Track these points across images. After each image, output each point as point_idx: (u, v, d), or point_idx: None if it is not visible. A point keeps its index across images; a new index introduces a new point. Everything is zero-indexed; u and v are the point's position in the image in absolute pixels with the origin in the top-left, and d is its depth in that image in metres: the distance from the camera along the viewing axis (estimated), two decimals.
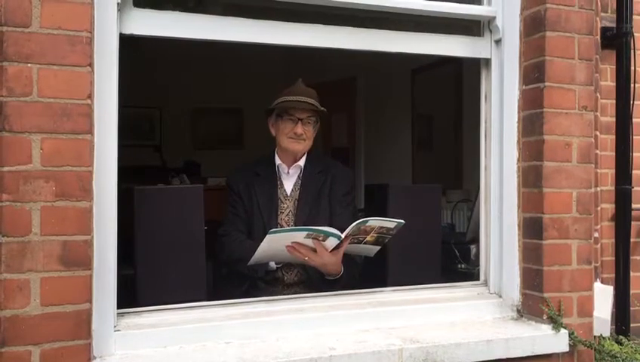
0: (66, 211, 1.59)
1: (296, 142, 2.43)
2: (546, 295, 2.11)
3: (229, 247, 2.44)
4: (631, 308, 2.81)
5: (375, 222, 2.15)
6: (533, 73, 2.17)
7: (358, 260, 2.44)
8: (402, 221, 2.18)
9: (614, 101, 2.89)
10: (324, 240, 2.13)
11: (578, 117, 2.17)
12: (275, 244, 2.12)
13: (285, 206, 2.49)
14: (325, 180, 2.51)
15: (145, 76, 4.83)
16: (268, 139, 2.56)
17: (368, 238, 2.21)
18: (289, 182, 2.52)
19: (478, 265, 2.38)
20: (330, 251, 2.19)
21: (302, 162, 2.51)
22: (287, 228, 2.39)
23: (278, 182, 2.52)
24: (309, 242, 2.13)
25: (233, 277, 2.48)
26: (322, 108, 2.47)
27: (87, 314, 1.62)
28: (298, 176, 2.52)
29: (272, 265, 2.40)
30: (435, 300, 2.19)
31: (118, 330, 1.75)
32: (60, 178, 1.58)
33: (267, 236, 2.07)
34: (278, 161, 2.52)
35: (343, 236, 2.12)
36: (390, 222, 2.18)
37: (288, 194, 2.51)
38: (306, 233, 2.10)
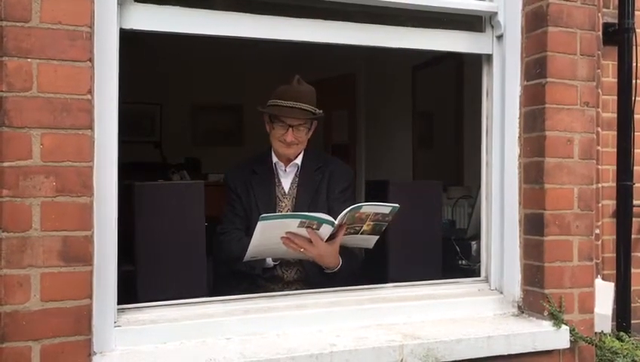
0: (67, 207, 1.59)
1: (287, 147, 2.41)
2: (547, 291, 2.11)
3: (228, 246, 2.42)
4: (632, 305, 2.81)
5: (369, 208, 2.14)
6: (535, 69, 2.16)
7: (358, 253, 2.43)
8: (397, 205, 2.16)
9: (616, 97, 2.88)
10: (317, 229, 2.11)
11: (580, 113, 2.16)
12: (268, 235, 2.09)
13: (284, 204, 2.48)
14: (323, 177, 2.50)
15: (145, 72, 4.82)
16: (267, 136, 2.55)
17: (365, 227, 2.20)
18: (287, 179, 2.51)
19: (479, 262, 2.37)
20: (326, 241, 2.17)
21: (299, 160, 2.49)
22: (279, 213, 2.38)
23: (276, 180, 2.51)
24: (303, 232, 2.11)
25: (232, 275, 2.47)
26: (318, 112, 2.42)
27: (87, 310, 1.61)
28: (295, 174, 2.51)
29: (269, 261, 2.38)
30: (436, 296, 2.19)
31: (119, 326, 1.75)
32: (61, 173, 1.58)
33: (259, 223, 2.03)
34: (274, 158, 2.50)
35: (336, 222, 2.10)
36: (385, 207, 2.16)
37: (286, 192, 2.50)
38: (299, 221, 2.08)
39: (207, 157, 5.85)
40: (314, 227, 2.10)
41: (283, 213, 2.39)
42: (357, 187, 2.87)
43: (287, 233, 2.12)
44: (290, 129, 2.37)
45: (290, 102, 2.38)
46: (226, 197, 2.54)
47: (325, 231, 2.13)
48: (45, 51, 1.57)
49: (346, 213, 2.09)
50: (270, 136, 2.46)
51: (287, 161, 2.49)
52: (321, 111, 2.44)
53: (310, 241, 2.14)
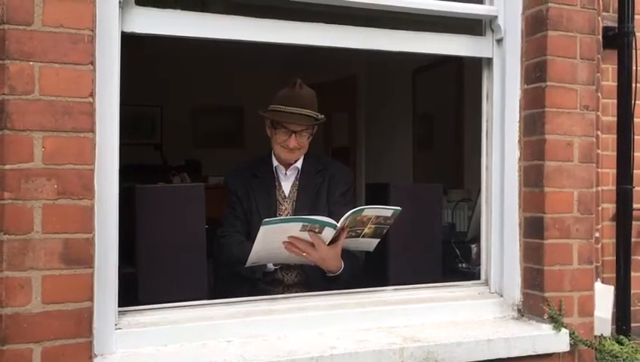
0: (68, 209, 1.59)
1: (289, 152, 2.41)
2: (546, 294, 2.12)
3: (229, 249, 2.42)
4: (632, 308, 2.80)
5: (371, 211, 2.14)
6: (535, 72, 2.16)
7: (359, 255, 2.43)
8: (399, 208, 2.16)
9: (616, 101, 2.88)
10: (320, 232, 2.10)
11: (579, 116, 2.17)
12: (270, 239, 2.09)
13: (284, 207, 2.48)
14: (323, 180, 2.50)
15: (146, 74, 4.82)
16: (268, 139, 2.55)
17: (366, 230, 2.20)
18: (287, 183, 2.51)
19: (478, 265, 2.38)
20: (328, 244, 2.17)
21: (299, 163, 2.49)
22: (282, 217, 2.38)
23: (276, 183, 2.51)
24: (306, 235, 2.11)
25: (233, 278, 2.47)
26: (320, 117, 2.43)
27: (88, 312, 1.62)
28: (296, 177, 2.50)
29: (270, 266, 2.38)
30: (436, 299, 2.19)
31: (120, 328, 1.75)
32: (62, 176, 1.58)
33: (262, 228, 2.03)
34: (275, 162, 2.50)
35: (338, 225, 2.10)
36: (387, 210, 2.16)
37: (286, 196, 2.50)
38: (301, 224, 2.08)
39: (207, 160, 5.85)
40: (316, 230, 2.10)
41: (285, 217, 2.39)
42: (357, 190, 2.87)
43: (289, 237, 2.11)
44: (294, 135, 2.37)
45: (293, 108, 2.37)
46: (227, 200, 2.54)
47: (327, 234, 2.13)
48: (47, 54, 1.57)
49: (348, 216, 2.09)
50: (272, 140, 2.46)
51: (288, 164, 2.49)
52: (322, 116, 2.44)
53: (312, 245, 2.14)
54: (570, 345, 2.09)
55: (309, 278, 2.40)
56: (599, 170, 2.72)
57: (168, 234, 2.09)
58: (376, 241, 2.28)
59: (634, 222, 2.89)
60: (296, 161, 2.49)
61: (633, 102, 2.84)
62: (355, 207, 2.15)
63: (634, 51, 2.83)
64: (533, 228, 2.16)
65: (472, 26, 2.29)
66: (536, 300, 2.15)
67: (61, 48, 1.59)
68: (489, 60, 2.28)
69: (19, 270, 1.54)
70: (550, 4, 2.12)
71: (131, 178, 2.25)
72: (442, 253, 2.63)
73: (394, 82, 5.24)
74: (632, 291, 2.83)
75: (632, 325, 2.78)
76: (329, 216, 2.39)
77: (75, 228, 1.60)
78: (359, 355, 1.82)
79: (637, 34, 2.86)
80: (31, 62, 1.56)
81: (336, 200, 2.48)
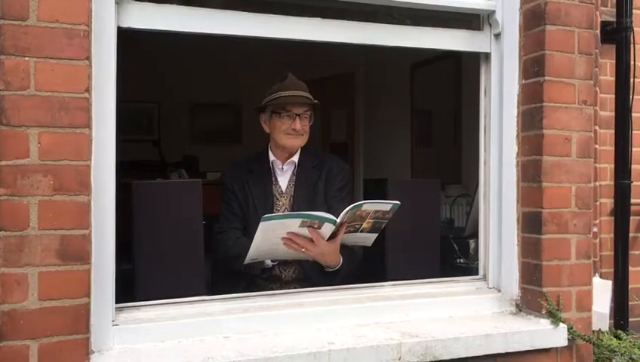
0: (64, 205, 1.58)
1: (295, 137, 2.43)
2: (544, 289, 2.12)
3: (225, 245, 2.43)
4: (629, 303, 2.80)
5: (370, 205, 2.14)
6: (533, 67, 2.16)
7: (358, 250, 2.43)
8: (398, 202, 2.17)
9: (614, 95, 2.88)
10: (319, 228, 2.11)
11: (578, 111, 2.16)
12: (269, 235, 2.09)
13: (281, 203, 2.48)
14: (320, 175, 2.50)
15: (144, 70, 4.81)
16: (266, 135, 2.55)
17: (365, 225, 2.20)
18: (284, 178, 2.51)
19: (477, 260, 2.37)
20: (327, 240, 2.17)
21: (296, 158, 2.50)
22: (281, 213, 2.38)
23: (273, 179, 2.51)
24: (305, 231, 2.11)
25: (231, 274, 2.47)
26: (316, 101, 2.47)
27: (85, 309, 1.61)
28: (293, 172, 2.51)
29: (268, 262, 2.38)
30: (434, 295, 2.19)
31: (117, 325, 1.75)
32: (58, 172, 1.58)
33: (261, 224, 2.03)
34: (272, 157, 2.51)
35: (338, 221, 2.10)
36: (386, 205, 2.16)
37: (283, 191, 2.50)
38: (300, 220, 2.08)
39: (205, 156, 5.85)
40: (315, 226, 2.10)
41: (285, 213, 2.39)
42: (355, 185, 2.87)
43: (288, 233, 2.11)
44: (298, 117, 2.40)
45: (294, 92, 2.42)
46: (224, 196, 2.54)
47: (327, 229, 2.13)
48: (43, 49, 1.57)
49: (348, 211, 2.09)
50: (273, 132, 2.46)
51: (286, 158, 2.49)
52: (317, 101, 2.48)
53: (311, 241, 2.14)
54: (568, 339, 2.09)
55: (307, 274, 2.40)
56: (597, 165, 2.72)
57: (166, 230, 2.09)
58: (374, 236, 2.28)
59: (632, 217, 2.88)
60: (293, 155, 2.48)
61: (631, 97, 2.84)
62: (352, 202, 2.15)
63: (632, 46, 2.83)
64: (531, 223, 2.16)
65: (470, 21, 2.29)
66: (534, 295, 2.15)
67: (57, 43, 1.58)
68: (487, 55, 2.27)
69: (15, 266, 1.54)
70: None
71: (129, 174, 2.25)
72: (440, 248, 2.63)
73: (392, 78, 5.23)
74: (630, 286, 2.83)
75: (630, 320, 2.78)
76: (327, 210, 2.39)
77: (71, 224, 1.59)
78: (357, 351, 1.82)
79: (635, 29, 2.85)
80: (26, 58, 1.55)
81: (334, 195, 2.49)
